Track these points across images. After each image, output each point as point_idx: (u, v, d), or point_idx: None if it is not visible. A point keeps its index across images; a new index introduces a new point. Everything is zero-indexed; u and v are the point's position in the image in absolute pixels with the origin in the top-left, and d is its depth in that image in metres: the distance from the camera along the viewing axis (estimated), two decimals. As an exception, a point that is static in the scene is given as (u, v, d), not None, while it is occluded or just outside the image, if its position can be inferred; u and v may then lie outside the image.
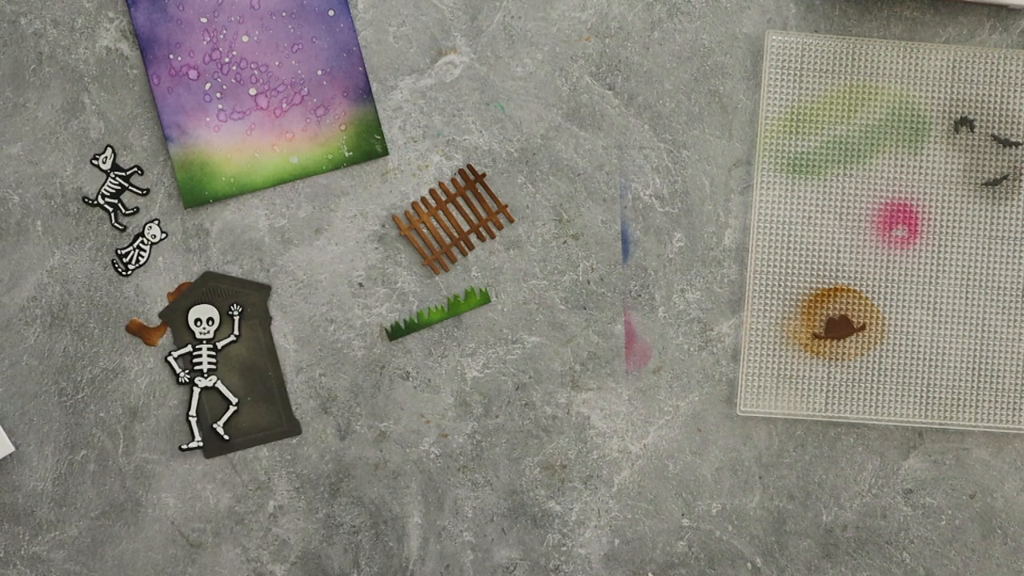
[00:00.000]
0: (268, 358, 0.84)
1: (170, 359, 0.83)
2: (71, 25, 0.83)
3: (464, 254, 0.78)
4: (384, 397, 0.84)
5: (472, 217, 0.78)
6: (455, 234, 0.78)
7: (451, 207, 0.78)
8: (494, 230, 0.78)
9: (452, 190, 0.78)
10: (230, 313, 0.83)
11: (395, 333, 0.83)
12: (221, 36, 0.83)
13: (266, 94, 0.83)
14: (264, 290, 0.84)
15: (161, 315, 0.83)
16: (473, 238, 0.78)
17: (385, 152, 0.83)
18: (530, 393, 0.84)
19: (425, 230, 0.77)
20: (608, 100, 0.84)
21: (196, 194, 0.83)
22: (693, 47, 0.84)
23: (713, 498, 0.85)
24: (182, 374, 0.84)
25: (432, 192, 0.77)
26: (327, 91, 0.83)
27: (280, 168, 0.83)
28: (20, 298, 0.83)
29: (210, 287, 0.83)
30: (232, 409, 0.84)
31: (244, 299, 0.84)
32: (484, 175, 0.77)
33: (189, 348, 0.84)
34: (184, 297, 0.83)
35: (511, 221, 0.79)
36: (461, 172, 0.77)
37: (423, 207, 0.80)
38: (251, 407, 0.84)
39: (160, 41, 0.82)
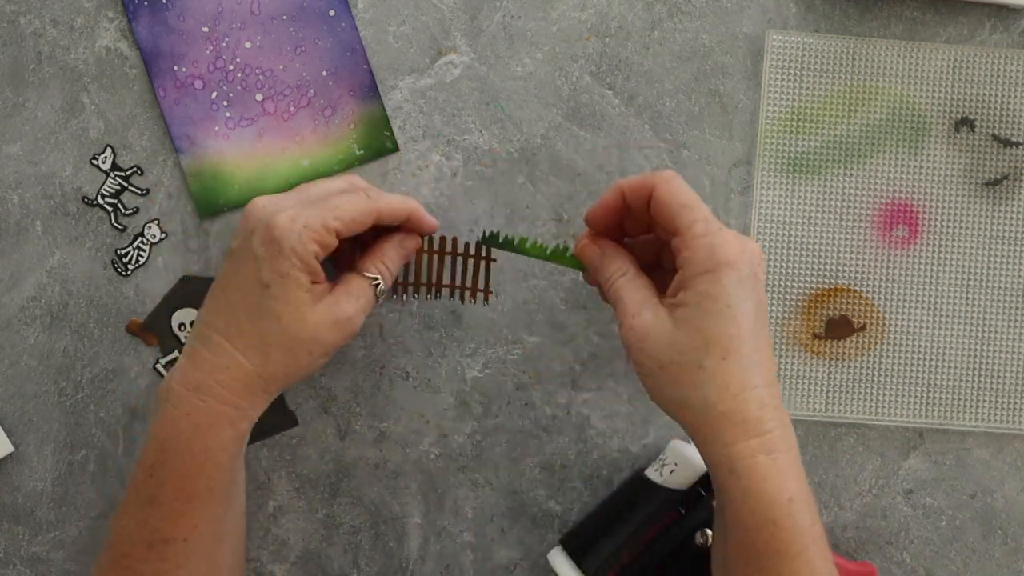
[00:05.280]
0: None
1: (158, 366, 0.83)
2: (71, 25, 0.82)
3: (426, 298, 0.78)
4: (384, 397, 0.84)
5: (457, 278, 0.78)
6: (432, 279, 0.78)
7: (447, 259, 0.77)
8: (467, 299, 0.78)
9: (460, 249, 0.77)
10: None
11: (490, 239, 0.77)
12: (224, 44, 0.82)
13: (273, 99, 0.83)
14: None
15: (145, 324, 0.83)
16: (445, 292, 0.78)
17: (395, 148, 0.83)
18: (530, 393, 0.84)
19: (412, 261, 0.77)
20: (608, 100, 0.84)
21: (210, 204, 0.82)
22: (693, 47, 0.84)
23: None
24: None
25: (442, 239, 0.76)
26: (333, 91, 0.83)
27: (292, 172, 0.83)
28: (20, 298, 0.83)
29: (188, 291, 0.83)
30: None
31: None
32: (495, 260, 0.77)
33: (176, 354, 0.83)
34: (166, 302, 0.83)
35: (487, 302, 0.79)
36: (477, 244, 0.77)
37: (425, 244, 0.78)
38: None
39: (163, 53, 0.82)
